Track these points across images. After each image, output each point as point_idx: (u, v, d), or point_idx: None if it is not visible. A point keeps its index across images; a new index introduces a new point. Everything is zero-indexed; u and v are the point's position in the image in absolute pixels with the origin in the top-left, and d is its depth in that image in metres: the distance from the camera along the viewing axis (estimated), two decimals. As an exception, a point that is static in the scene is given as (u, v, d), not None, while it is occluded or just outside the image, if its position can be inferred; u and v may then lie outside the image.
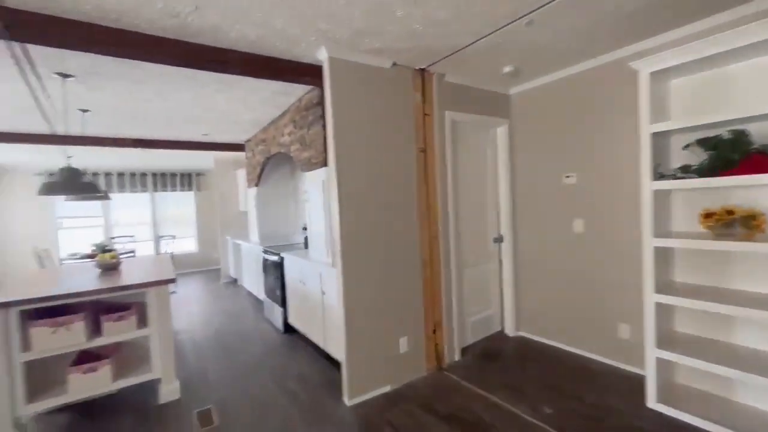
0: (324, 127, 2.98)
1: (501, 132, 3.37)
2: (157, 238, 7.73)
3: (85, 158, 5.93)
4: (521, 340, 3.34)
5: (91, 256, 5.73)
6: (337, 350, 2.85)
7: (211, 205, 8.25)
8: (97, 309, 2.63)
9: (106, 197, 3.70)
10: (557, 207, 3.06)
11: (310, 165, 3.19)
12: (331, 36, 2.15)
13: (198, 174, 8.07)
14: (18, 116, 3.45)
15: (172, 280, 2.59)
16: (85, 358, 2.51)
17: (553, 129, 3.05)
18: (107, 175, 7.08)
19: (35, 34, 1.78)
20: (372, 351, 2.52)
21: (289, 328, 3.85)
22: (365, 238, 2.49)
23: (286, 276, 3.78)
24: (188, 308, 5.03)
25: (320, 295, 3.05)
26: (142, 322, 2.61)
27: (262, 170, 4.73)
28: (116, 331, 2.45)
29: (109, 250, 6.28)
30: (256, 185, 4.99)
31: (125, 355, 2.75)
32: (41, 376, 2.43)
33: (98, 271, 3.11)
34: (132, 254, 6.22)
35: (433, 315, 2.84)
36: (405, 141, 2.68)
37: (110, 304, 2.71)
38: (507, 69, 2.77)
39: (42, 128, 3.88)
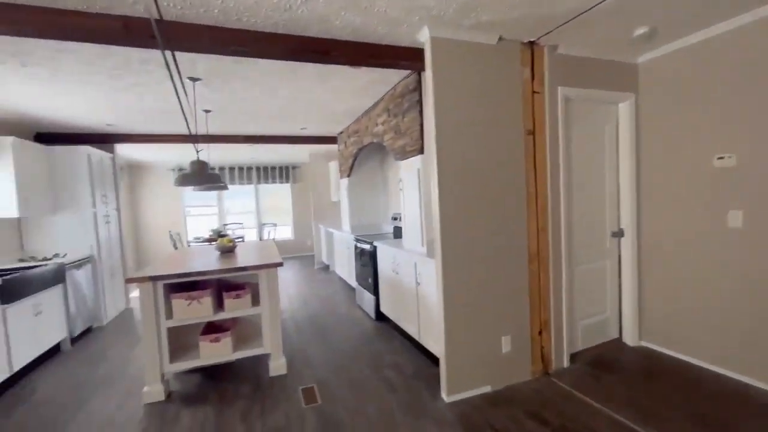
0: (420, 113, 2.89)
1: (624, 108, 2.89)
2: (260, 226, 8.59)
3: (203, 154, 6.84)
4: (645, 352, 2.87)
5: (210, 240, 6.60)
6: (434, 343, 2.78)
7: (305, 196, 8.86)
8: (218, 287, 2.96)
9: (225, 187, 4.18)
10: (703, 196, 2.51)
11: (405, 153, 3.14)
12: (435, 13, 2.03)
13: (293, 167, 8.71)
14: (162, 119, 4.05)
15: (280, 264, 2.78)
16: (211, 328, 2.85)
17: (698, 101, 2.50)
18: (221, 168, 8.05)
19: (181, 41, 2.01)
20: (472, 348, 2.39)
21: (380, 316, 3.91)
22: (466, 228, 2.34)
23: (379, 265, 3.83)
24: (287, 291, 5.47)
25: (414, 286, 3.01)
26: (255, 301, 2.86)
27: (354, 161, 4.86)
28: (235, 307, 2.73)
29: (224, 235, 7.18)
30: (348, 176, 5.15)
31: (241, 330, 3.06)
32: (178, 341, 2.82)
33: (218, 253, 3.52)
34: (241, 239, 7.00)
35: (539, 314, 2.58)
36: (511, 122, 2.44)
37: (229, 283, 3.04)
38: (640, 31, 2.33)
39: (179, 129, 4.52)
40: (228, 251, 3.55)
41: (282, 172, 8.58)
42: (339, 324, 3.90)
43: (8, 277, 2.81)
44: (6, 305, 2.78)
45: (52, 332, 3.37)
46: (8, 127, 3.82)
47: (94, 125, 4.23)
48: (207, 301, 2.63)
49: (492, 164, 2.40)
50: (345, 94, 3.53)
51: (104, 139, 4.65)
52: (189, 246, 6.75)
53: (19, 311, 2.92)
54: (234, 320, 2.97)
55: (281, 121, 4.56)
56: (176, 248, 6.45)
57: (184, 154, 6.74)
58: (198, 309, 2.61)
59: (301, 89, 3.32)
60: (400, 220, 4.19)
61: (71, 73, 2.65)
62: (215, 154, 6.82)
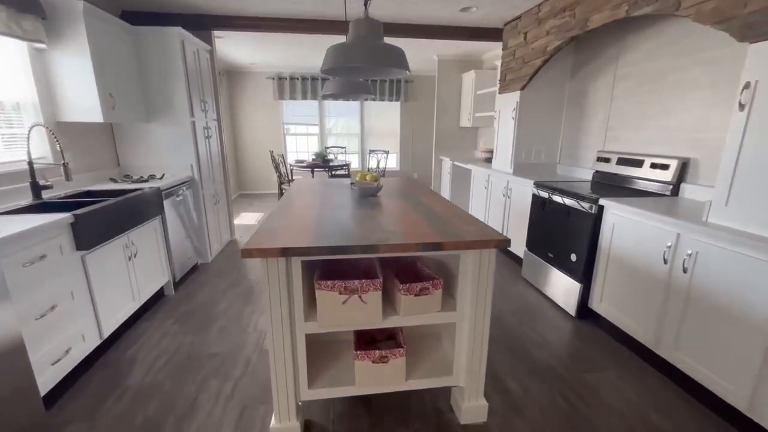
0: None
1: None
2: (367, 152, 7.39)
3: (299, 62, 5.53)
4: None
5: (313, 166, 5.59)
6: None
7: (420, 118, 7.30)
8: (382, 268, 1.77)
9: (371, 96, 2.66)
10: None
11: None
12: None
13: (407, 81, 7.05)
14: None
15: (506, 242, 1.43)
16: (370, 340, 1.72)
17: None
18: (313, 80, 6.73)
19: None
20: None
21: (587, 313, 2.52)
22: None
23: (603, 238, 2.32)
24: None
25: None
26: (446, 302, 1.62)
27: (545, 62, 3.09)
28: (416, 309, 1.52)
29: (329, 161, 6.16)
30: (522, 89, 3.43)
31: (413, 344, 1.90)
32: (320, 355, 1.77)
33: (355, 193, 2.30)
34: (345, 167, 5.89)
35: None
36: None
37: (399, 263, 1.83)
38: None
39: (286, 8, 3.14)
40: (371, 195, 2.32)
41: (392, 87, 7.00)
42: (522, 320, 2.59)
43: (83, 211, 1.90)
44: (86, 251, 1.92)
45: (152, 278, 2.62)
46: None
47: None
48: (374, 297, 1.44)
49: None
50: None
51: (200, 24, 3.49)
52: (292, 170, 5.85)
53: (105, 255, 2.08)
54: (399, 329, 1.81)
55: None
56: (281, 175, 5.57)
57: (288, 57, 5.47)
58: (359, 310, 1.44)
59: None
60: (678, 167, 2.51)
61: None
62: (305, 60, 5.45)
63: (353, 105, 7.22)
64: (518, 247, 3.40)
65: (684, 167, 2.37)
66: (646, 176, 2.58)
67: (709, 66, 2.20)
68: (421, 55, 5.38)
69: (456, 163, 5.14)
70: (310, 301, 1.58)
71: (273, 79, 6.65)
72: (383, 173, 6.20)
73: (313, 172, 5.80)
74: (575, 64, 3.41)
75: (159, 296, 2.84)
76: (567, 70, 3.48)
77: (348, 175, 6.33)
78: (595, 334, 2.38)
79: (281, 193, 5.88)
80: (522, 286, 3.11)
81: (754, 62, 1.55)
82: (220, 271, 3.38)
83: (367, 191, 2.30)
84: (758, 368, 1.48)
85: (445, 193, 5.63)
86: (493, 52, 5.10)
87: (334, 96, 2.58)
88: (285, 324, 1.42)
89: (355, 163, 7.45)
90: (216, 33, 4.00)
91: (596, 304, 2.41)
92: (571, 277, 2.59)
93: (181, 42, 3.06)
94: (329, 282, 1.41)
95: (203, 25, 3.50)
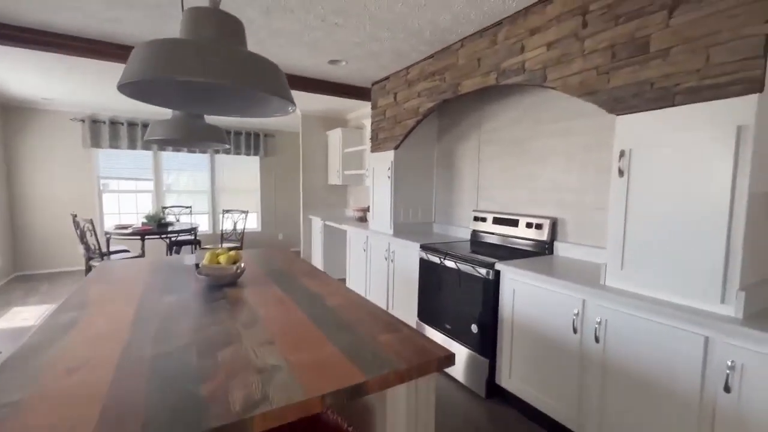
0: None
1: None
2: (219, 213, 6.25)
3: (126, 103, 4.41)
4: None
5: (145, 232, 4.26)
6: None
7: (283, 174, 6.70)
8: None
9: (226, 145, 1.96)
10: None
11: (692, 94, 1.47)
12: None
13: (266, 134, 6.48)
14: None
15: (451, 359, 0.97)
16: None
17: None
18: (145, 126, 5.55)
19: None
20: None
21: (495, 391, 2.25)
22: None
23: (503, 307, 2.15)
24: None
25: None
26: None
27: (418, 122, 3.04)
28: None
29: (166, 224, 4.83)
30: (396, 148, 3.32)
31: None
32: None
33: (202, 282, 1.55)
34: (193, 231, 4.74)
35: None
36: None
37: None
38: None
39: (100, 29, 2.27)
40: (229, 284, 1.61)
41: (249, 140, 6.30)
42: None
43: None
44: None
45: None
46: None
47: None
48: None
49: None
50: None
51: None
52: (108, 239, 4.31)
53: None
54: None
55: (298, 45, 2.58)
56: (90, 247, 4.00)
57: (107, 93, 4.24)
58: None
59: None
60: (556, 225, 2.55)
61: None
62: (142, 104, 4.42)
63: (202, 157, 6.15)
64: (408, 316, 3.06)
65: (554, 226, 2.49)
66: (523, 235, 2.63)
67: (561, 135, 2.43)
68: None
69: (328, 223, 4.71)
70: None
71: (82, 121, 5.09)
72: (241, 236, 5.25)
73: (143, 240, 4.40)
74: (440, 127, 3.54)
75: None
76: (434, 131, 3.58)
77: (194, 242, 5.11)
78: (506, 415, 2.11)
79: (89, 271, 4.21)
80: (419, 365, 2.71)
81: (624, 133, 1.64)
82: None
83: (223, 279, 1.57)
84: (694, 448, 1.37)
85: (318, 255, 5.07)
86: (358, 111, 5.10)
87: (168, 143, 1.82)
88: None
89: (204, 226, 6.20)
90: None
91: (505, 381, 2.17)
92: (474, 351, 2.33)
93: None
94: None
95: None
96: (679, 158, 1.46)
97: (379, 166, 3.57)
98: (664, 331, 1.46)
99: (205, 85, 0.80)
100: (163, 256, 2.08)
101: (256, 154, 6.40)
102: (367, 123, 4.10)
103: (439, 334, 2.64)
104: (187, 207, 5.78)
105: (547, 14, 1.95)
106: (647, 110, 1.56)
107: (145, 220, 4.59)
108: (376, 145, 3.63)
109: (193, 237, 5.03)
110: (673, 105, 1.48)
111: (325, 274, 1.85)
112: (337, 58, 2.96)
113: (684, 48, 1.45)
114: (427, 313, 2.77)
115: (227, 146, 1.73)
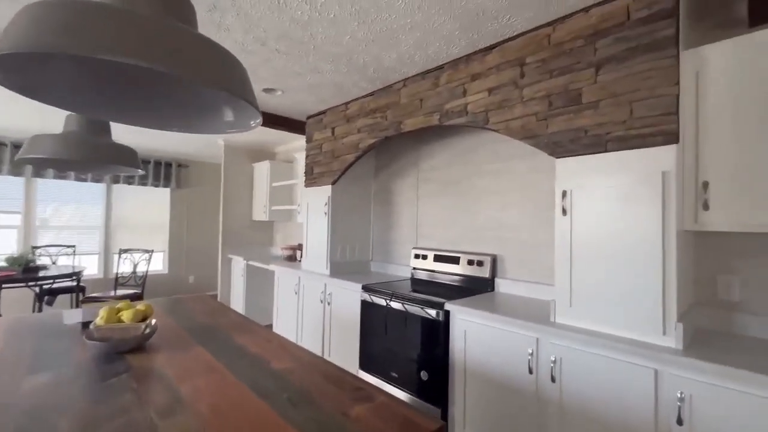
0: (677, 57, 1.47)
1: None
2: (110, 253, 5.25)
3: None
4: None
5: (6, 280, 3.31)
6: None
7: (199, 209, 6.00)
8: None
9: (140, 171, 1.55)
10: None
11: (621, 142, 1.60)
12: None
13: (180, 165, 5.81)
14: None
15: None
16: None
17: None
18: (16, 146, 4.60)
19: None
20: None
21: (449, 447, 2.08)
22: None
23: (454, 347, 2.05)
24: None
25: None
26: None
27: (358, 158, 2.96)
28: None
29: (36, 268, 3.84)
30: (333, 183, 3.18)
31: None
32: None
33: (99, 358, 1.16)
34: (76, 276, 3.86)
35: None
36: None
37: None
38: None
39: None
40: (135, 350, 1.24)
41: (159, 170, 5.58)
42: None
43: None
44: None
45: None
46: None
47: None
48: None
49: None
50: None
51: None
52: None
53: None
54: None
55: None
56: None
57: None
58: None
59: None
60: (492, 262, 2.55)
61: None
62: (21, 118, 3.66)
63: (94, 187, 5.20)
64: (348, 364, 2.78)
65: (494, 263, 2.53)
66: (465, 273, 2.63)
67: (496, 176, 2.55)
68: (203, 137, 4.52)
69: (252, 262, 4.24)
70: None
71: None
72: (143, 281, 4.43)
73: (-1, 289, 3.42)
74: (378, 164, 3.52)
75: None
76: (371, 167, 3.53)
77: (77, 289, 4.16)
78: (462, 470, 1.95)
79: None
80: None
81: (564, 174, 1.75)
82: None
83: (125, 344, 1.20)
84: (656, 487, 1.36)
85: (238, 300, 4.50)
86: (288, 144, 4.88)
87: (54, 164, 1.41)
88: None
89: (92, 269, 5.13)
90: None
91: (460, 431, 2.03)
92: (425, 401, 2.16)
93: None
94: None
95: None
96: (616, 199, 1.58)
97: (315, 202, 3.37)
98: (617, 366, 1.49)
99: (129, 74, 0.57)
100: (29, 314, 1.54)
101: (166, 185, 5.66)
102: (299, 156, 3.92)
103: (384, 383, 2.42)
104: (69, 247, 4.74)
105: (487, 63, 2.07)
106: (584, 154, 1.69)
107: (4, 264, 3.61)
108: (312, 180, 3.44)
109: (75, 283, 4.09)
110: (606, 151, 1.62)
111: (262, 327, 1.56)
112: (273, 86, 2.79)
113: (611, 101, 1.62)
114: (370, 361, 2.55)
115: (141, 172, 1.39)
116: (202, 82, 0.51)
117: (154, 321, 1.36)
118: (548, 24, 1.82)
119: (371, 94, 2.84)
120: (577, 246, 1.70)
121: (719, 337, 1.54)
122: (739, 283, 1.63)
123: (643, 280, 1.50)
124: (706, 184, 1.49)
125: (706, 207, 1.49)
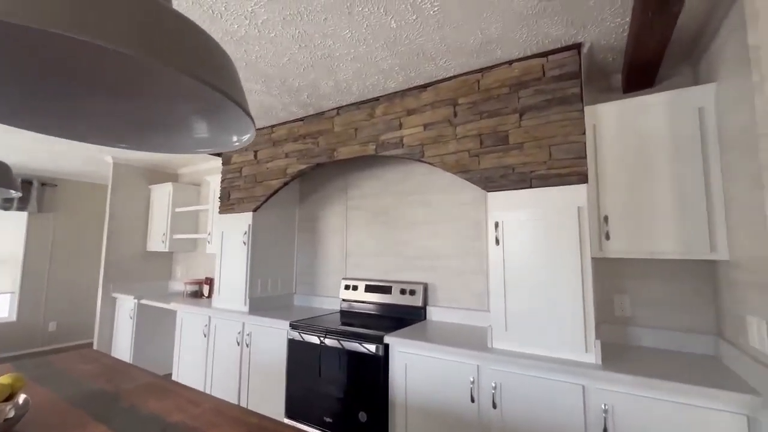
0: (583, 111, 1.74)
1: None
2: None
3: None
4: None
5: None
6: None
7: (68, 239, 4.89)
8: None
9: (18, 193, 1.12)
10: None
11: (543, 180, 1.79)
12: None
13: (44, 183, 4.72)
14: None
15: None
16: None
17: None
18: None
19: None
20: None
21: (390, 492, 1.95)
22: None
23: (395, 383, 1.98)
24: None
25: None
26: None
27: (285, 184, 2.78)
28: None
29: None
30: (255, 210, 2.92)
31: None
32: None
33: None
34: None
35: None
36: None
37: None
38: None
39: None
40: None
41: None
42: None
43: None
44: None
45: None
46: None
47: None
48: None
49: None
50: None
51: None
52: None
53: None
54: None
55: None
56: None
57: None
58: None
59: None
60: (428, 289, 2.53)
61: None
62: None
63: None
64: (272, 412, 2.47)
65: (426, 291, 2.58)
66: (398, 302, 2.61)
67: (424, 206, 2.65)
68: (83, 151, 3.77)
69: (145, 301, 3.58)
70: None
71: None
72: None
73: None
74: (303, 190, 3.37)
75: None
76: (296, 194, 3.36)
77: None
78: None
79: None
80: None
81: (496, 207, 1.89)
82: None
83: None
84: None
85: (123, 347, 3.71)
86: (195, 166, 4.38)
87: None
88: None
89: None
90: None
91: (402, 474, 1.92)
92: (364, 444, 2.01)
93: None
94: None
95: None
96: (541, 230, 1.76)
97: (231, 231, 3.03)
98: (551, 386, 1.60)
99: (54, 57, 0.41)
100: None
101: (22, 208, 4.51)
102: (211, 180, 3.53)
103: (316, 431, 2.20)
104: None
105: (423, 99, 2.19)
106: (513, 189, 1.85)
107: None
108: (228, 206, 3.11)
109: None
110: (531, 187, 1.81)
111: (181, 385, 1.28)
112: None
113: (534, 144, 1.83)
114: (299, 407, 2.30)
115: (18, 194, 1.04)
116: (184, 70, 0.38)
117: (23, 397, 1.00)
118: (478, 71, 2.01)
119: (301, 119, 2.74)
120: (509, 273, 1.82)
121: (622, 350, 1.79)
122: (629, 301, 1.94)
123: (567, 303, 1.67)
124: (606, 218, 1.76)
125: (607, 237, 1.75)
